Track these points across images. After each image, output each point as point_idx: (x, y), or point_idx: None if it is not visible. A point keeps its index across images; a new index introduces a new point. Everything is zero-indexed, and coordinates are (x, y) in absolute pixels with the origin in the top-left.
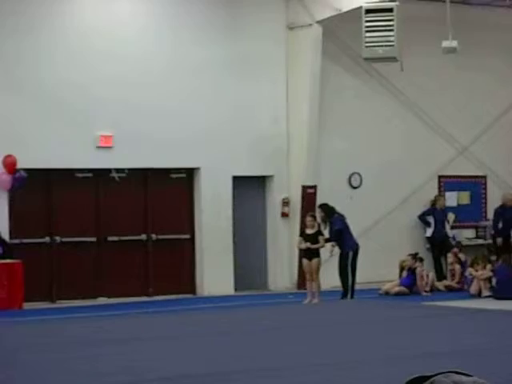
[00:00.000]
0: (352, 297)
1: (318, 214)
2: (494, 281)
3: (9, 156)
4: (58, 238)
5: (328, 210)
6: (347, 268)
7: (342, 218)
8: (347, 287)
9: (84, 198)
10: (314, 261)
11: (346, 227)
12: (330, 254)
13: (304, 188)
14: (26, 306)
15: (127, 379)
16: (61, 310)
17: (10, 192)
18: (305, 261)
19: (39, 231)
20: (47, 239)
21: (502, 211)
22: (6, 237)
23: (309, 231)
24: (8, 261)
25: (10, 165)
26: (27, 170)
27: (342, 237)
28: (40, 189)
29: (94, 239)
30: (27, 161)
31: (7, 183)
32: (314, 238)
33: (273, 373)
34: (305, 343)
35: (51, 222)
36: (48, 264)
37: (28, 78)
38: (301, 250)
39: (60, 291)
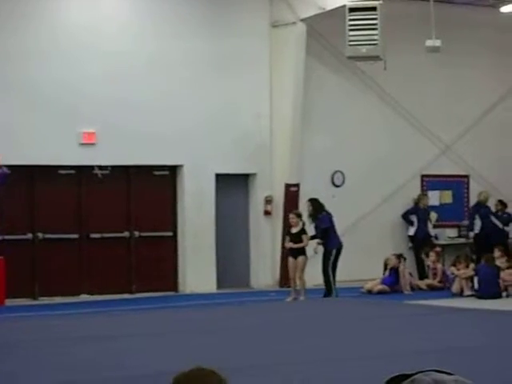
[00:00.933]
0: (336, 295)
1: (307, 207)
2: (475, 280)
3: None
4: (40, 235)
5: (317, 206)
6: (330, 266)
7: (329, 216)
8: (330, 285)
9: (67, 195)
10: (300, 259)
11: (332, 226)
12: (314, 252)
13: (287, 186)
14: (8, 302)
15: (110, 375)
16: (43, 307)
17: None
18: (290, 259)
19: (21, 228)
20: (29, 236)
21: (477, 209)
22: None
23: (293, 230)
24: None
25: None
26: (10, 167)
27: (328, 235)
28: (23, 185)
29: (76, 236)
30: (10, 157)
31: None
32: (298, 237)
33: (256, 370)
34: (288, 341)
35: (34, 218)
36: (30, 260)
37: (12, 74)
38: (287, 249)
39: (42, 288)
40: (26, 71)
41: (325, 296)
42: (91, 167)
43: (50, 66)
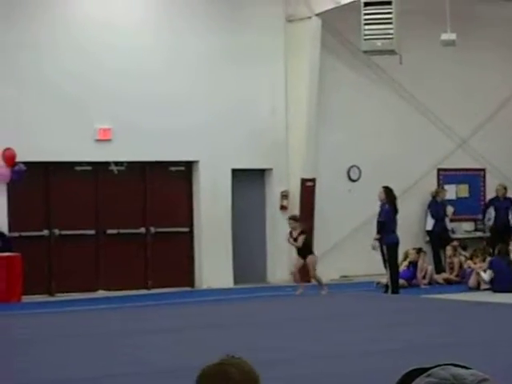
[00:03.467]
0: (397, 292)
1: (379, 194)
2: (487, 273)
3: (8, 149)
4: (56, 231)
5: (388, 196)
6: (393, 260)
7: (394, 210)
8: (393, 280)
9: (83, 191)
10: (309, 258)
11: (392, 221)
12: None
13: (303, 181)
14: (25, 299)
15: (128, 371)
16: (59, 303)
17: (9, 185)
18: (296, 257)
19: (38, 224)
20: (46, 232)
21: (492, 202)
22: (5, 230)
23: (294, 233)
24: (7, 254)
25: (9, 158)
26: (26, 163)
27: (384, 229)
28: (39, 182)
29: (92, 232)
30: (26, 154)
31: (6, 176)
32: (295, 239)
33: (274, 365)
34: (303, 335)
35: (50, 215)
36: (47, 257)
37: (28, 70)
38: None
39: (59, 284)
40: (42, 67)
41: (385, 292)
42: (107, 163)
43: (66, 63)
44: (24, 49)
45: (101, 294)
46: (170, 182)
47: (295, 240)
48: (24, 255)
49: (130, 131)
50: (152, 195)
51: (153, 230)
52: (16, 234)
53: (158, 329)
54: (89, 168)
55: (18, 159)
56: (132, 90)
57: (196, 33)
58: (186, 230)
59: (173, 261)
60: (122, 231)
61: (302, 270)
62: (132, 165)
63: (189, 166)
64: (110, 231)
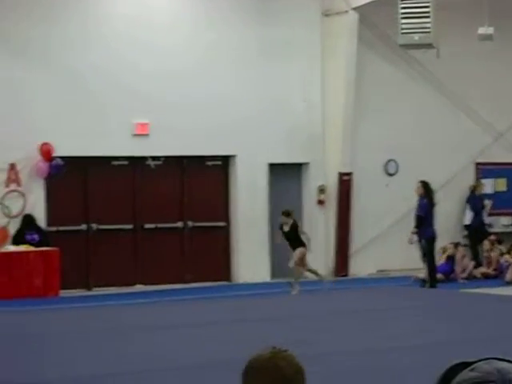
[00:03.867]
0: (435, 286)
1: (417, 188)
2: None
3: (45, 144)
4: (94, 226)
5: (426, 190)
6: (430, 255)
7: (431, 204)
8: (431, 274)
9: (120, 186)
10: (297, 251)
11: (429, 215)
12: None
13: (340, 175)
14: (63, 293)
15: (164, 365)
16: (97, 298)
17: (47, 180)
18: (300, 250)
19: (76, 219)
20: (84, 227)
21: None
22: (43, 224)
23: (285, 228)
24: (45, 248)
25: (47, 153)
26: (64, 158)
27: (422, 223)
28: (76, 176)
29: (130, 226)
30: (64, 149)
31: (44, 171)
32: (289, 234)
33: (311, 360)
34: (343, 329)
35: (88, 209)
36: (84, 251)
37: (65, 66)
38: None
39: (96, 279)
40: (81, 63)
41: (423, 286)
42: (144, 158)
43: (103, 58)
44: (64, 46)
45: (138, 288)
46: (206, 177)
47: (287, 236)
48: (62, 250)
49: (168, 126)
50: (189, 190)
51: (190, 224)
52: (54, 229)
53: (195, 323)
54: (126, 163)
55: (55, 154)
56: (169, 85)
57: (232, 28)
58: (222, 224)
59: (210, 255)
60: (159, 226)
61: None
62: (169, 159)
63: (226, 161)
64: (147, 226)
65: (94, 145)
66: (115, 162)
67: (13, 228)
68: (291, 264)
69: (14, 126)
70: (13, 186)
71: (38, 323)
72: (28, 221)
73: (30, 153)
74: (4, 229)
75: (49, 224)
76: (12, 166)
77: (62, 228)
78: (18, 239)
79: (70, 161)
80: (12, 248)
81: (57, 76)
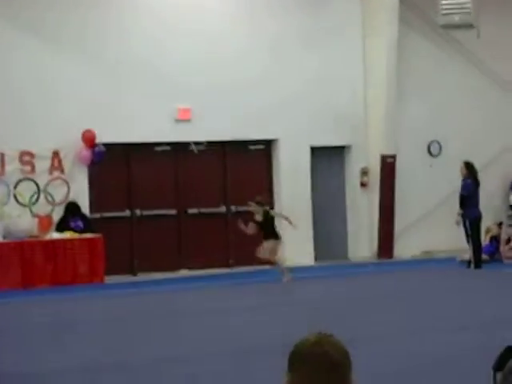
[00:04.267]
0: (480, 266)
1: (461, 168)
2: None
3: (88, 131)
4: (138, 212)
5: (468, 170)
6: (475, 235)
7: (475, 184)
8: (476, 255)
9: (163, 172)
10: (269, 243)
11: (473, 195)
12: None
13: (383, 157)
14: (108, 279)
15: (213, 350)
16: (142, 284)
17: (90, 167)
18: (264, 243)
19: (119, 205)
20: (127, 213)
21: None
22: (87, 211)
23: (257, 217)
24: (89, 235)
25: (90, 139)
26: (106, 145)
27: (465, 203)
28: (119, 163)
29: (174, 212)
30: (106, 135)
31: (87, 158)
32: (262, 224)
33: (358, 343)
34: (392, 311)
35: (131, 195)
36: (128, 237)
37: (107, 52)
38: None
39: (141, 264)
40: (121, 49)
41: (468, 267)
42: (187, 143)
43: (144, 44)
44: (107, 31)
45: (183, 273)
46: (249, 161)
47: (259, 225)
48: (106, 236)
49: (210, 111)
50: (232, 174)
51: (233, 208)
52: (97, 215)
53: (240, 307)
54: (169, 148)
55: (98, 141)
56: (212, 71)
57: (273, 13)
58: (266, 208)
59: (254, 239)
60: (202, 210)
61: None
62: (212, 144)
63: (268, 145)
64: (190, 211)
65: (137, 131)
66: (158, 148)
67: (56, 215)
68: (261, 255)
69: (57, 114)
70: (56, 174)
71: (84, 310)
72: (72, 208)
73: (72, 140)
74: (48, 216)
75: (92, 211)
76: (55, 154)
77: (105, 214)
78: (61, 226)
79: (112, 147)
80: (56, 235)
81: (99, 63)
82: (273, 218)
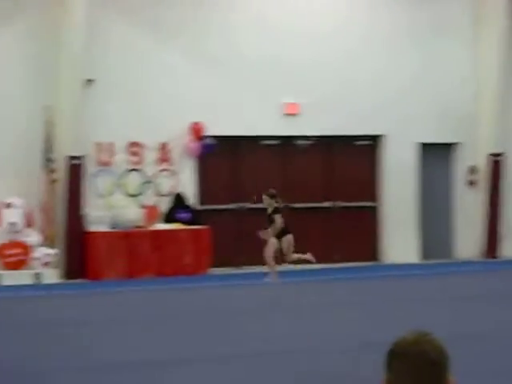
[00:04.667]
0: None
1: None
2: None
3: (196, 123)
4: (244, 205)
5: None
6: None
7: None
8: None
9: (270, 165)
10: (284, 239)
11: None
12: None
13: (492, 155)
14: (212, 271)
15: (314, 346)
16: (246, 276)
17: (198, 159)
18: (272, 239)
19: (226, 198)
20: (234, 206)
21: None
22: (194, 203)
23: (268, 211)
24: (195, 227)
25: (198, 132)
26: (215, 138)
27: None
28: (227, 156)
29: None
30: (215, 128)
31: (195, 150)
32: (270, 218)
33: (463, 341)
34: (492, 312)
35: (238, 188)
36: (235, 230)
37: (216, 47)
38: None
39: (246, 257)
40: (230, 44)
41: None
42: (294, 138)
43: (254, 39)
44: (214, 27)
45: (287, 267)
46: (355, 157)
47: (271, 220)
48: (212, 228)
49: (317, 106)
50: (338, 170)
51: (338, 204)
52: (204, 208)
53: (343, 302)
54: (276, 142)
55: (206, 133)
56: (320, 66)
57: (384, 8)
58: (371, 204)
59: (358, 235)
60: (307, 205)
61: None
62: (318, 139)
63: (375, 141)
64: (296, 205)
65: (245, 124)
66: (265, 142)
67: (163, 206)
68: (289, 258)
69: (166, 106)
70: (164, 165)
71: (188, 301)
72: (179, 199)
73: (181, 132)
74: (154, 207)
75: (199, 203)
76: (163, 146)
77: (212, 207)
78: (169, 217)
79: (220, 140)
80: (163, 226)
81: (208, 57)
82: (274, 215)
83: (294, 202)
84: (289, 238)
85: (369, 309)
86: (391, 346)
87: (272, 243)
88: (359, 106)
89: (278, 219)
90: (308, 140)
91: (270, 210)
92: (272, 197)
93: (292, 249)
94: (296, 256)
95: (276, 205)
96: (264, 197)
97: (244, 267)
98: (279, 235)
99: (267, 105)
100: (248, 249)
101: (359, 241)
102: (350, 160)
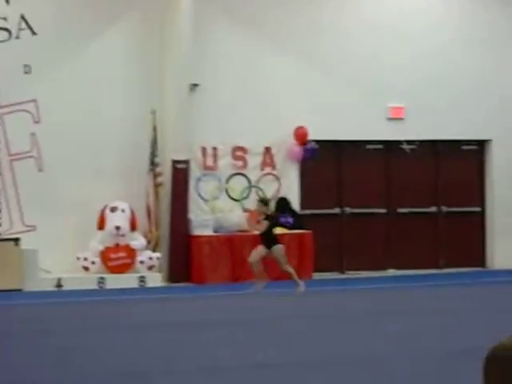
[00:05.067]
0: None
1: None
2: None
3: (300, 128)
4: (347, 209)
5: None
6: None
7: None
8: None
9: (374, 170)
10: (274, 248)
11: None
12: None
13: None
14: (316, 276)
15: (394, 351)
16: (349, 281)
17: (301, 163)
18: (259, 247)
19: (329, 202)
20: (337, 210)
21: None
22: (297, 207)
23: (260, 217)
24: (298, 231)
25: (302, 136)
26: (318, 142)
27: None
28: (330, 160)
29: (383, 211)
30: (318, 132)
31: (298, 155)
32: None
33: None
34: None
35: (341, 193)
36: (338, 235)
37: (320, 49)
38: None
39: (349, 262)
40: (337, 47)
41: None
42: (399, 142)
43: (358, 42)
44: (324, 29)
45: (391, 272)
46: (461, 161)
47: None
48: (315, 233)
49: (423, 110)
50: (444, 174)
51: (444, 209)
52: (307, 212)
53: (448, 309)
54: (380, 147)
55: (310, 138)
56: (425, 70)
57: (484, 4)
58: (477, 209)
59: (464, 240)
60: (413, 210)
61: (263, 261)
62: (424, 143)
63: (481, 145)
64: (400, 210)
65: (349, 128)
66: (369, 146)
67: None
68: (284, 268)
69: (270, 111)
70: (267, 170)
71: (290, 306)
72: (282, 204)
73: (284, 136)
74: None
75: (302, 207)
76: (267, 150)
77: (315, 211)
78: None
79: (324, 144)
80: None
81: (314, 61)
82: (273, 223)
83: (399, 207)
84: (279, 248)
85: (474, 315)
86: (488, 352)
87: (259, 250)
88: (465, 110)
89: (265, 224)
90: (413, 144)
91: (262, 217)
92: (265, 203)
93: (285, 259)
94: (291, 269)
95: (268, 212)
96: (258, 203)
97: (347, 272)
98: (269, 244)
99: (371, 109)
100: (351, 253)
101: (465, 246)
102: (456, 165)
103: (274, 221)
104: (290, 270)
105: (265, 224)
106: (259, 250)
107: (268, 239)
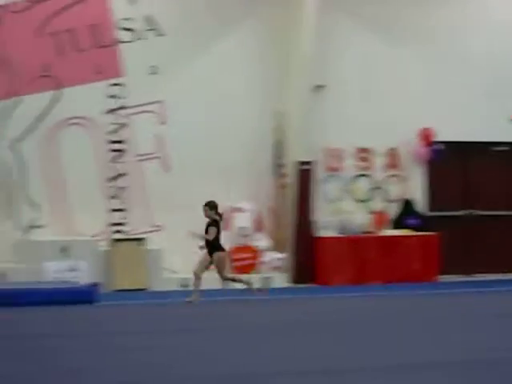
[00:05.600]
0: None
1: None
2: None
3: (426, 129)
4: (474, 212)
5: None
6: None
7: None
8: None
9: (500, 172)
10: (215, 256)
11: None
12: None
13: None
14: (441, 278)
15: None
16: (476, 284)
17: (427, 165)
18: (205, 256)
19: (455, 204)
20: (463, 212)
21: None
22: (424, 209)
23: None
24: (424, 233)
25: (428, 137)
26: (444, 143)
27: None
28: (457, 162)
29: (511, 213)
30: (445, 133)
31: (424, 156)
32: (206, 230)
33: None
34: None
35: (468, 195)
36: (464, 237)
37: (447, 50)
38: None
39: (477, 265)
40: (462, 47)
41: None
42: None
43: (488, 41)
44: (452, 28)
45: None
46: None
47: (206, 232)
48: (441, 235)
49: None
50: None
51: None
52: (434, 214)
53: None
54: (506, 148)
55: (436, 139)
56: None
57: None
58: None
59: None
60: None
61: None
62: None
63: None
64: None
65: (474, 130)
66: (495, 148)
67: (392, 212)
68: (223, 276)
69: (395, 111)
70: (393, 171)
71: (417, 308)
72: (408, 205)
73: (410, 138)
74: (383, 213)
75: (429, 209)
76: (392, 151)
77: (441, 213)
78: (397, 223)
79: (450, 146)
80: (392, 232)
81: (441, 61)
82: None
83: None
84: (220, 255)
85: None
86: None
87: (204, 259)
88: None
89: (212, 232)
90: None
91: (207, 222)
92: (212, 208)
93: (225, 267)
94: (231, 275)
95: (215, 217)
96: (204, 207)
97: (474, 275)
98: (210, 251)
99: (497, 110)
100: (478, 256)
101: None
102: None
103: (219, 225)
104: (231, 276)
105: (213, 232)
106: (204, 260)
107: (212, 245)
